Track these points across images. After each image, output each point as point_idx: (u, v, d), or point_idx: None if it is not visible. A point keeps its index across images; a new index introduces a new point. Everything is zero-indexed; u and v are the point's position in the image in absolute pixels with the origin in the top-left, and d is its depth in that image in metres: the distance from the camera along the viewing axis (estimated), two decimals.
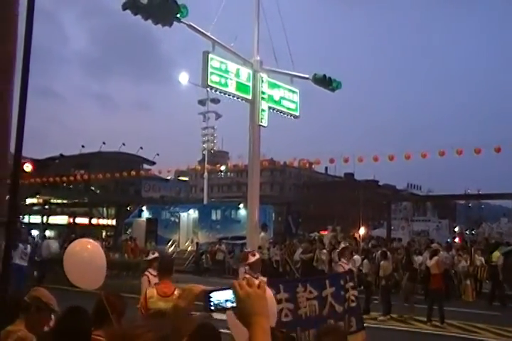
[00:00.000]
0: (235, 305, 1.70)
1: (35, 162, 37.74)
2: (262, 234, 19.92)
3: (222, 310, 1.72)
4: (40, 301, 3.76)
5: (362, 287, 13.66)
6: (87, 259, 4.02)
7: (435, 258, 13.31)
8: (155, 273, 7.60)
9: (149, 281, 7.80)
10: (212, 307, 1.72)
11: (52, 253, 18.91)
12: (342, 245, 11.63)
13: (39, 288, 4.34)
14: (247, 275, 7.14)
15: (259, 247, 16.71)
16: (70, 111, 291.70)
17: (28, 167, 27.34)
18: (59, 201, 39.98)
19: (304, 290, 6.35)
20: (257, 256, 7.25)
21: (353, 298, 7.12)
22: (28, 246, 16.35)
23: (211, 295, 1.73)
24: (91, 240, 4.51)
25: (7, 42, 1.78)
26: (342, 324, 6.54)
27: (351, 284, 7.24)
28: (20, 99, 1.74)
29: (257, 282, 1.73)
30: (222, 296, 1.72)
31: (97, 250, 4.27)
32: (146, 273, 8.18)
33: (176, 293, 5.22)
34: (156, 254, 8.55)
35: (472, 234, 55.09)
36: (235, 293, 1.69)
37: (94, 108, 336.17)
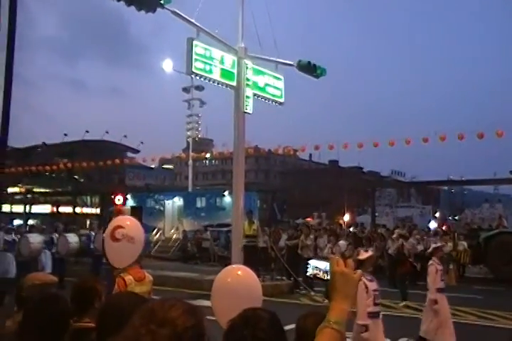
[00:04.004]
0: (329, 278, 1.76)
1: (16, 150, 37.32)
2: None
3: (319, 279, 1.83)
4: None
5: None
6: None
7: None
8: (370, 277, 6.34)
9: (367, 288, 6.15)
10: (308, 274, 1.84)
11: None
12: None
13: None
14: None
15: (254, 236, 16.34)
16: (42, 98, 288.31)
17: None
18: (42, 190, 39.60)
19: None
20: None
21: None
22: None
23: (309, 262, 1.84)
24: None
25: None
26: None
27: None
28: (5, 85, 1.71)
29: (358, 275, 1.77)
30: (320, 265, 1.81)
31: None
32: (363, 279, 6.19)
33: (146, 277, 5.25)
34: (370, 253, 6.56)
35: (455, 219, 55.75)
36: (331, 267, 1.74)
37: (68, 93, 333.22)
